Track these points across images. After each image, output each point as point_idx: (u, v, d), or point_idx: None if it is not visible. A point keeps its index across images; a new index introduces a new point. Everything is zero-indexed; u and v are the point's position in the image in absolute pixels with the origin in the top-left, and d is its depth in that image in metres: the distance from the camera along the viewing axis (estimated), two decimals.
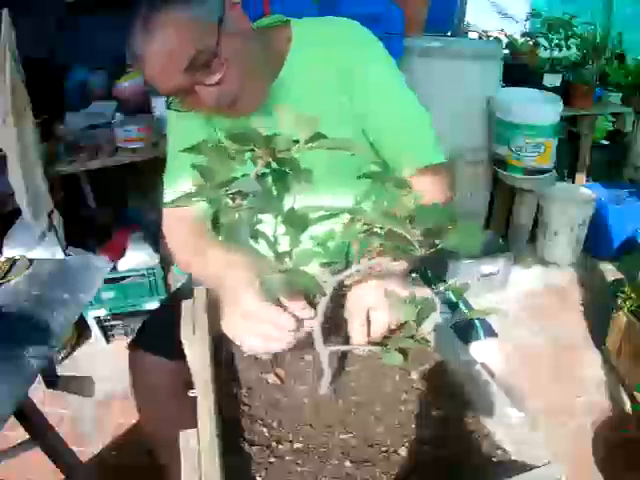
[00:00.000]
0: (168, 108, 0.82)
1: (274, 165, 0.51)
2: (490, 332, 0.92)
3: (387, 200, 0.54)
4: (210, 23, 0.73)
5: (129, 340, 1.02)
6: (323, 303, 0.59)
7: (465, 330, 0.88)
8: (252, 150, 0.48)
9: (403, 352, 0.57)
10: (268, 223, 0.54)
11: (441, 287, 0.96)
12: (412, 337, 0.56)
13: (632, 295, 1.77)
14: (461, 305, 0.94)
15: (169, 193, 0.93)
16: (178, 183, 0.90)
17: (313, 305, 0.61)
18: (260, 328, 0.61)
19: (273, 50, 0.87)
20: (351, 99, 0.87)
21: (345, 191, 0.83)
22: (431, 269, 1.02)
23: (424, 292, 0.83)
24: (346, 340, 0.74)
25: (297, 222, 0.53)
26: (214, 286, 0.73)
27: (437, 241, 0.50)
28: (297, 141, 0.49)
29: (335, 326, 0.77)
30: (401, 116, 0.88)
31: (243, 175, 0.49)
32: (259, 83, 0.83)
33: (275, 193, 0.52)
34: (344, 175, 0.84)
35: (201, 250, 0.79)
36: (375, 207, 0.57)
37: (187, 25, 0.72)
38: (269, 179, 0.52)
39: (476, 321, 0.91)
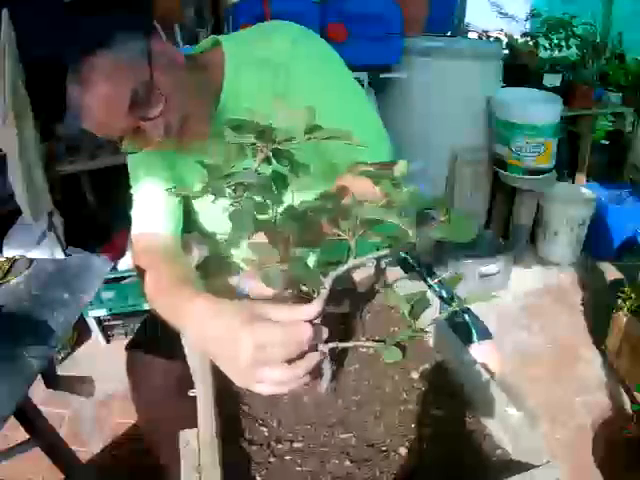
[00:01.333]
0: (121, 152, 0.81)
1: (273, 161, 0.52)
2: (485, 334, 0.92)
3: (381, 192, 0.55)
4: (139, 60, 0.74)
5: (128, 340, 1.02)
6: (322, 299, 0.59)
7: (459, 333, 0.88)
8: (253, 144, 0.50)
9: (402, 348, 0.57)
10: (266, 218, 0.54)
11: (434, 280, 0.96)
12: (410, 330, 0.56)
13: (632, 295, 1.78)
14: (452, 296, 0.95)
15: (136, 221, 0.93)
16: (143, 217, 0.92)
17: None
18: (273, 374, 0.54)
19: (210, 74, 0.86)
20: (291, 99, 0.83)
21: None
22: (426, 266, 1.02)
23: (418, 287, 0.83)
24: (342, 338, 0.74)
25: (295, 217, 0.53)
26: (197, 338, 0.65)
27: (432, 231, 0.50)
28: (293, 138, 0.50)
29: (333, 324, 0.77)
30: (340, 116, 0.81)
31: (245, 169, 0.51)
32: (202, 107, 0.82)
33: (274, 186, 0.54)
34: (338, 171, 0.85)
35: (172, 294, 0.74)
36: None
37: (117, 68, 0.72)
38: (268, 172, 0.53)
39: (470, 323, 0.91)
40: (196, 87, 0.81)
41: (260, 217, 0.52)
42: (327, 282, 0.58)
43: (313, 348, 0.57)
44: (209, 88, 0.85)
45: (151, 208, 0.92)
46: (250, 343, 0.52)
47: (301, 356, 0.55)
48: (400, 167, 0.56)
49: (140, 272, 0.86)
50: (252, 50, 0.86)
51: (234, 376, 0.57)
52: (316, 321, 0.57)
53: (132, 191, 0.96)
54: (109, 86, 0.72)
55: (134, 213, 0.94)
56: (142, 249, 0.90)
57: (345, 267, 0.58)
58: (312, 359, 0.56)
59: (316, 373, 0.61)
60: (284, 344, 0.53)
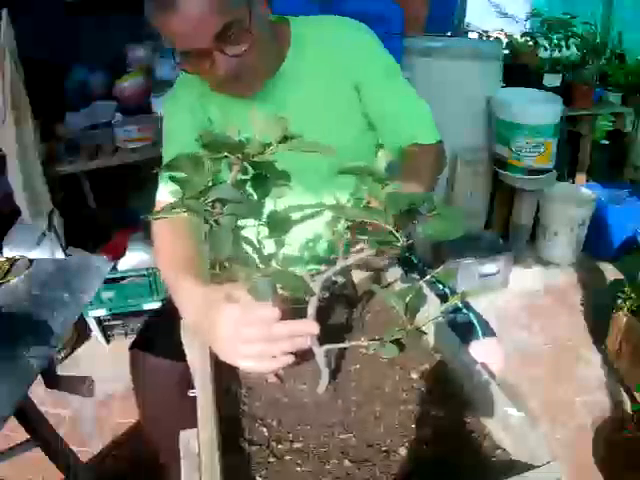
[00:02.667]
0: (176, 63, 0.82)
1: (251, 170, 0.51)
2: (488, 331, 0.92)
3: (368, 194, 0.55)
4: (243, 1, 0.77)
5: (130, 340, 1.02)
6: (313, 303, 0.59)
7: (463, 329, 0.88)
8: (226, 157, 0.48)
9: (399, 344, 0.57)
10: (251, 227, 0.54)
11: (429, 276, 0.96)
12: (405, 327, 0.56)
13: (632, 295, 1.77)
14: (448, 292, 0.95)
15: (162, 189, 0.94)
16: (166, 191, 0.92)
17: (302, 310, 0.60)
18: (253, 349, 0.58)
19: (276, 44, 0.90)
20: (356, 92, 0.93)
21: (326, 189, 0.87)
22: (426, 264, 1.03)
23: (416, 286, 0.83)
24: (342, 339, 0.74)
25: (279, 224, 0.53)
26: (190, 310, 0.71)
27: (418, 229, 0.50)
28: (270, 144, 0.49)
29: (329, 325, 0.77)
30: (403, 102, 0.94)
31: (220, 183, 0.48)
32: (265, 68, 0.87)
33: (255, 197, 0.52)
34: (324, 173, 0.86)
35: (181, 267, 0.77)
36: (356, 203, 0.58)
37: None
38: (247, 184, 0.52)
39: (474, 320, 0.92)
40: (271, 48, 0.86)
41: (241, 231, 0.51)
42: (316, 286, 0.58)
43: (298, 334, 0.59)
44: (276, 53, 0.90)
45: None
46: (228, 321, 0.59)
47: (284, 337, 0.58)
48: (382, 161, 0.56)
49: (157, 237, 0.89)
50: (317, 39, 0.92)
51: (220, 352, 0.62)
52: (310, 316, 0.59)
53: (163, 152, 0.97)
54: (208, 7, 0.73)
55: (162, 177, 0.94)
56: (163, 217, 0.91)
57: (332, 270, 0.58)
58: (295, 342, 0.58)
59: (305, 357, 0.62)
60: (254, 322, 0.58)
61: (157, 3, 0.74)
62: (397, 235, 0.50)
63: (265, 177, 0.52)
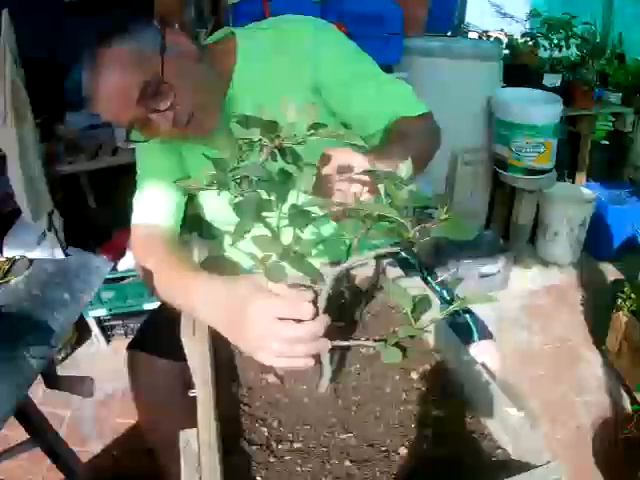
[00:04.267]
0: (127, 140, 0.83)
1: (279, 159, 0.53)
2: (485, 333, 0.92)
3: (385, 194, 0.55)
4: (152, 51, 0.75)
5: (129, 341, 1.02)
6: (323, 296, 0.59)
7: (459, 332, 0.88)
8: (259, 139, 0.51)
9: (402, 348, 0.57)
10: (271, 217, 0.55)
11: (435, 282, 0.96)
12: (410, 328, 0.56)
13: (632, 295, 1.78)
14: (453, 297, 0.95)
15: (137, 213, 0.93)
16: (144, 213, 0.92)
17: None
18: (288, 349, 0.57)
19: (220, 66, 0.88)
20: (317, 94, 0.88)
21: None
22: (427, 266, 1.02)
23: (419, 287, 0.83)
24: (343, 338, 0.74)
25: (300, 216, 0.54)
26: (206, 315, 0.68)
27: (432, 230, 0.50)
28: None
29: (335, 324, 0.77)
30: (375, 83, 0.89)
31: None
32: (211, 100, 0.83)
33: (279, 181, 0.54)
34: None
35: (180, 278, 0.76)
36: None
37: (130, 58, 0.74)
38: (274, 169, 0.54)
39: (471, 323, 0.91)
40: (207, 79, 0.82)
41: (264, 213, 0.53)
42: (328, 280, 0.58)
43: (317, 337, 0.58)
44: (220, 79, 0.87)
45: (153, 200, 0.93)
46: (259, 314, 0.57)
47: (306, 339, 0.57)
48: (405, 168, 0.56)
49: (140, 261, 0.87)
50: (268, 40, 0.88)
51: (241, 342, 0.61)
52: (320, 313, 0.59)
53: (137, 179, 0.98)
54: (120, 76, 0.73)
55: (136, 202, 0.94)
56: (141, 237, 0.91)
57: (346, 265, 0.58)
58: (317, 344, 0.58)
59: (316, 361, 0.61)
60: (296, 324, 0.56)
61: (85, 98, 0.77)
62: (410, 230, 0.50)
63: (289, 163, 0.54)
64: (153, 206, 0.92)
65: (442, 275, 0.98)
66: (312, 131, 0.52)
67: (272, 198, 0.54)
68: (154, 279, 0.81)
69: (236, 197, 0.52)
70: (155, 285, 0.81)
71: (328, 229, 0.92)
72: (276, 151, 0.53)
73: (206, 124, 0.82)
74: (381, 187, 0.54)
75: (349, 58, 0.90)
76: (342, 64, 0.88)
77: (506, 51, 2.76)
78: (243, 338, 0.60)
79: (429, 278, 0.98)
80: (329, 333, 0.59)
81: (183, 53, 0.79)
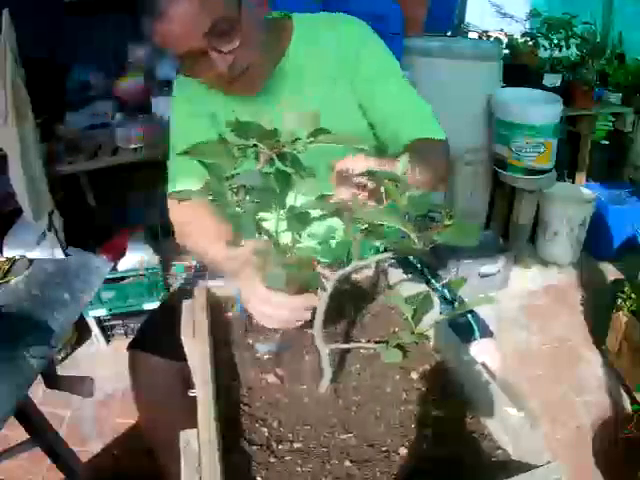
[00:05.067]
0: (177, 73, 0.86)
1: (277, 163, 0.52)
2: (486, 332, 0.92)
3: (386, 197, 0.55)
4: None
5: (129, 340, 1.02)
6: (324, 299, 0.59)
7: (461, 330, 0.88)
8: (255, 145, 0.50)
9: (402, 349, 0.57)
10: (270, 220, 0.54)
11: (438, 283, 0.96)
12: (412, 333, 0.56)
13: (632, 295, 1.77)
14: (457, 299, 0.95)
15: (172, 188, 0.96)
16: (181, 181, 0.93)
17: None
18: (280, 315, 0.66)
19: (278, 38, 0.92)
20: (353, 88, 0.93)
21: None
22: (429, 266, 1.03)
23: (421, 289, 0.83)
24: (343, 339, 0.74)
25: (298, 219, 0.53)
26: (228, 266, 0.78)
27: (435, 236, 0.50)
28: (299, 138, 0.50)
29: (331, 324, 0.77)
30: (403, 98, 0.94)
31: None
32: (265, 64, 0.88)
33: (277, 189, 0.53)
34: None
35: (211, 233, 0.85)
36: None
37: None
38: (272, 175, 0.53)
39: (472, 321, 0.92)
40: (269, 42, 0.86)
41: (262, 221, 0.52)
42: (329, 284, 0.58)
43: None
44: (275, 49, 0.91)
45: (192, 167, 0.93)
46: (263, 305, 0.66)
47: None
48: (401, 165, 0.56)
49: (181, 223, 0.94)
50: (321, 32, 0.93)
51: (252, 308, 0.69)
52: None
53: (170, 145, 1.00)
54: (200, 3, 0.73)
55: (172, 170, 0.97)
56: (183, 203, 0.93)
57: (348, 269, 0.58)
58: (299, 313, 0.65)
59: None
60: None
61: (146, 11, 0.75)
62: (414, 239, 0.50)
63: (288, 169, 0.53)
64: (188, 171, 0.92)
65: (443, 275, 0.98)
66: (310, 138, 0.51)
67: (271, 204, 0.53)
68: (197, 240, 0.89)
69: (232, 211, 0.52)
70: (197, 246, 0.89)
71: (328, 230, 0.92)
72: (274, 157, 0.52)
73: (255, 82, 0.87)
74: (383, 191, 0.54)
75: (386, 59, 0.96)
76: (381, 61, 0.95)
77: (506, 51, 2.76)
78: (249, 298, 0.69)
79: (430, 277, 0.98)
80: (329, 334, 0.59)
81: (257, 9, 0.82)
